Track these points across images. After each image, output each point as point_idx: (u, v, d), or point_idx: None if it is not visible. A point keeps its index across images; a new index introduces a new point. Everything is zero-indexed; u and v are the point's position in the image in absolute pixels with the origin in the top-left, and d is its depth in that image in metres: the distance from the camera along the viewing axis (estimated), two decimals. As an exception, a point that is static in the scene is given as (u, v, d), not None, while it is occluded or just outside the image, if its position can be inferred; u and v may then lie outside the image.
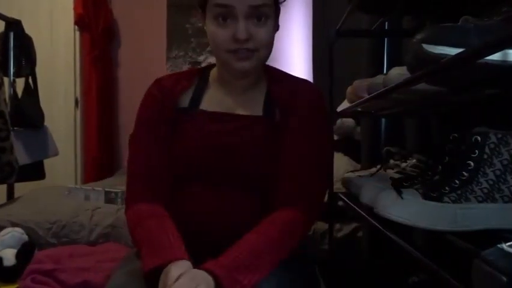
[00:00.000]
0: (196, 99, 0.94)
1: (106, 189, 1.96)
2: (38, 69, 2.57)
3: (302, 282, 0.88)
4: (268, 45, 0.87)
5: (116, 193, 1.93)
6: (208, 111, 0.92)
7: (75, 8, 3.43)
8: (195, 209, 0.88)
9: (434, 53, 0.60)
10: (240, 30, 0.81)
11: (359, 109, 1.27)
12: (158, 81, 0.98)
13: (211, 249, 0.78)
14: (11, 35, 2.41)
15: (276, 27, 0.90)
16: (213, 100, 0.94)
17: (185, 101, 0.94)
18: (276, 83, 0.94)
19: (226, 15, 0.82)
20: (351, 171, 1.39)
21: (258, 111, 0.92)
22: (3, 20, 2.40)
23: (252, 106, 0.93)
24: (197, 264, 0.74)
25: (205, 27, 0.88)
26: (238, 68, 0.86)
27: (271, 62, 0.96)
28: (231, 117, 0.91)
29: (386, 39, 1.60)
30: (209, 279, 0.69)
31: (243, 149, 0.88)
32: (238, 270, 0.72)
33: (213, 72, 0.99)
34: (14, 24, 2.42)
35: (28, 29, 2.52)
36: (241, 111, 0.92)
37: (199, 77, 0.98)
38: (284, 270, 0.80)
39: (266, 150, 0.89)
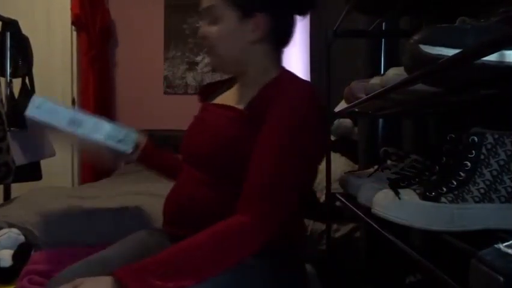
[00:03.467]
0: (218, 94, 1.06)
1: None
2: (35, 70, 2.56)
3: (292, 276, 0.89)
4: (221, 42, 0.92)
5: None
6: (208, 103, 1.03)
7: (72, 8, 3.42)
8: (171, 191, 0.99)
9: (431, 54, 0.60)
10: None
11: (357, 109, 1.27)
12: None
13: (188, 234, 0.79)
14: (8, 35, 2.40)
15: (254, 33, 0.90)
16: (224, 95, 1.04)
17: (213, 97, 1.07)
18: (276, 83, 0.91)
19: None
20: (349, 172, 1.39)
21: (244, 104, 0.92)
22: (0, 20, 2.39)
23: (240, 100, 0.95)
24: None
25: None
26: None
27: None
28: (217, 107, 0.98)
29: (383, 39, 1.60)
30: (107, 279, 0.70)
31: (210, 135, 0.92)
32: (148, 273, 0.71)
33: None
34: (10, 24, 2.41)
35: (25, 29, 2.51)
36: (230, 103, 0.96)
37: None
38: (271, 267, 0.81)
39: (234, 141, 0.87)
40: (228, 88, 1.06)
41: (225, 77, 1.09)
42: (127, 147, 1.07)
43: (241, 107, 0.91)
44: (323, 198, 1.83)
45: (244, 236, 0.78)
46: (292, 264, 0.92)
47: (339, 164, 1.94)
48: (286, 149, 0.83)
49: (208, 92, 1.10)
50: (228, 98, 1.01)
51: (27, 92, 2.48)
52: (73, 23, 3.45)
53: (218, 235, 0.77)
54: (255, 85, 0.93)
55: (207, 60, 3.46)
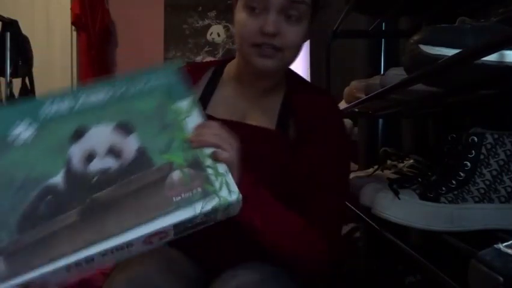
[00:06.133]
0: (203, 101, 0.85)
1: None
2: (35, 70, 2.57)
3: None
4: (295, 48, 0.79)
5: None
6: (215, 118, 0.81)
7: (72, 8, 3.42)
8: None
9: (431, 54, 0.60)
10: (269, 23, 0.73)
11: (357, 110, 1.27)
12: None
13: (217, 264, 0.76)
14: (8, 35, 2.40)
15: (309, 34, 0.82)
16: (223, 103, 0.86)
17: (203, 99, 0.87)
18: (296, 92, 0.86)
19: (257, 5, 0.75)
20: (349, 172, 1.39)
21: (272, 122, 0.83)
22: (0, 20, 2.39)
23: (265, 116, 0.84)
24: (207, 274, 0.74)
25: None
26: (259, 65, 0.78)
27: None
28: (240, 127, 0.80)
29: (383, 39, 1.60)
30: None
31: (249, 163, 0.76)
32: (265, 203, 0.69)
33: (230, 67, 0.90)
34: (10, 24, 2.42)
35: (24, 29, 2.52)
36: (252, 121, 0.83)
37: (214, 70, 0.91)
38: (289, 273, 0.77)
39: (275, 167, 0.80)
40: (213, 83, 0.89)
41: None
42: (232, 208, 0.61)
43: (268, 123, 0.83)
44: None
45: (320, 249, 0.75)
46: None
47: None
48: (344, 169, 0.84)
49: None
50: (235, 105, 0.86)
51: (27, 92, 2.48)
52: (73, 23, 3.45)
53: (308, 229, 0.74)
54: (273, 91, 0.86)
55: (206, 60, 3.46)
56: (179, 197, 0.56)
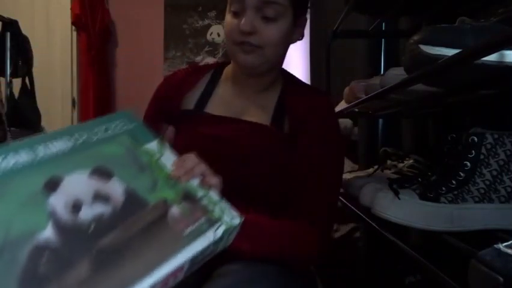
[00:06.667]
0: (203, 100, 0.91)
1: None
2: (35, 70, 2.57)
3: (300, 283, 0.87)
4: (275, 45, 0.83)
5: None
6: (213, 115, 0.88)
7: (72, 8, 3.42)
8: None
9: (431, 54, 0.60)
10: (244, 22, 0.79)
11: (357, 110, 1.27)
12: (167, 79, 0.97)
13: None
14: (8, 35, 2.40)
15: (298, 35, 0.87)
16: (221, 102, 0.91)
17: (191, 101, 0.92)
18: (292, 91, 0.90)
19: (237, 6, 0.81)
20: (349, 172, 1.39)
21: (267, 118, 0.87)
22: (0, 20, 2.39)
23: (261, 112, 0.88)
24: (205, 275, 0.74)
25: None
26: (241, 61, 0.83)
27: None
28: (237, 122, 0.87)
29: (383, 39, 1.60)
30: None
31: (244, 158, 0.83)
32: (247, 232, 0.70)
33: (228, 69, 0.95)
34: (10, 24, 2.42)
35: (24, 29, 2.52)
36: (248, 117, 0.87)
37: (214, 72, 0.96)
38: (280, 272, 0.78)
39: (271, 160, 0.84)
40: (212, 83, 0.94)
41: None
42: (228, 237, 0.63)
43: (263, 119, 0.87)
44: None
45: (309, 240, 0.79)
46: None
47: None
48: (337, 166, 0.87)
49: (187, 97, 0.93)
50: (232, 103, 0.90)
51: (27, 92, 2.48)
52: (73, 23, 3.45)
53: (296, 227, 0.78)
54: (269, 90, 0.90)
55: (206, 60, 3.46)
56: (188, 229, 0.56)
